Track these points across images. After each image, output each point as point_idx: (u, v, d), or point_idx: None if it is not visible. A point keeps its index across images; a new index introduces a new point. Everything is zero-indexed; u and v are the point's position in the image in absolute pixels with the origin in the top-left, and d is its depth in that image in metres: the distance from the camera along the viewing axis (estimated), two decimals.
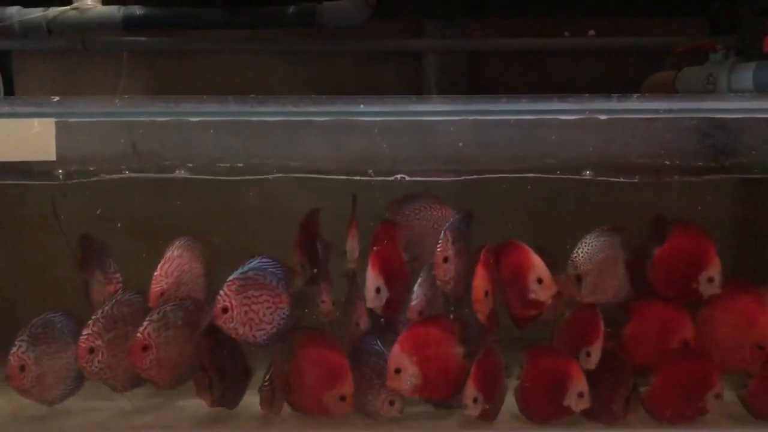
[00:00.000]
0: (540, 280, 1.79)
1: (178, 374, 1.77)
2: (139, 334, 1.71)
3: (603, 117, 1.69)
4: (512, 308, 1.83)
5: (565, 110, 1.70)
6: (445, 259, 1.77)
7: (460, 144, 1.74)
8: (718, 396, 1.79)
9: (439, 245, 1.77)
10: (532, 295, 1.79)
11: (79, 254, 1.96)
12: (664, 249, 1.87)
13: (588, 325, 1.81)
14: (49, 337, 1.78)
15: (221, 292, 1.74)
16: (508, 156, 1.74)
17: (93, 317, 1.73)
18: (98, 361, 1.73)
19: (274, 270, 1.79)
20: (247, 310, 1.74)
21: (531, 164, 1.75)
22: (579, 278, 1.84)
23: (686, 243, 1.87)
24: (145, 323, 1.72)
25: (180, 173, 1.69)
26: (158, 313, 1.74)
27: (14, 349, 1.74)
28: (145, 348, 1.71)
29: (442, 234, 1.78)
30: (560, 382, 1.77)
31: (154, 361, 1.71)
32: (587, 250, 1.85)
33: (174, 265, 1.81)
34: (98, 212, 1.90)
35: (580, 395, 1.76)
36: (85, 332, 1.72)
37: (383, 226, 1.84)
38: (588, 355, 1.78)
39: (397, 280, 1.81)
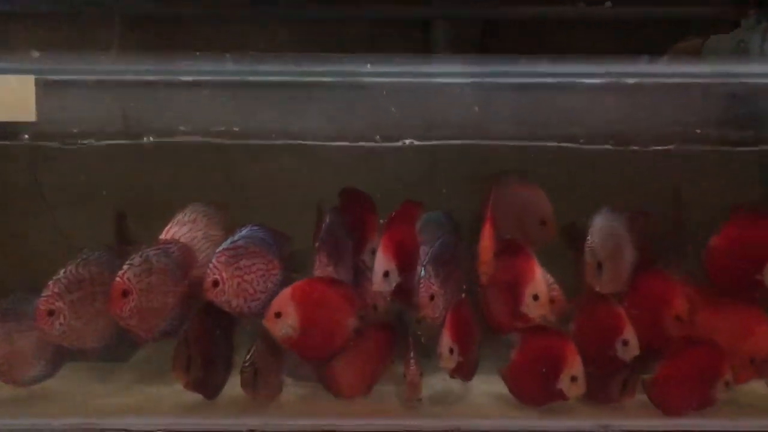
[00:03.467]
0: (536, 297, 1.72)
1: (160, 326, 1.67)
2: (118, 278, 1.60)
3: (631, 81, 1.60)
4: (496, 313, 1.74)
5: (587, 74, 1.61)
6: (432, 297, 1.66)
7: (476, 108, 1.65)
8: (727, 385, 1.70)
9: (421, 283, 1.66)
10: (524, 309, 1.72)
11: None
12: (723, 236, 1.76)
13: (610, 314, 1.72)
14: (20, 315, 1.70)
15: (210, 264, 1.65)
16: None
17: (54, 278, 1.64)
18: (59, 324, 1.63)
19: (264, 236, 1.71)
20: (240, 282, 1.66)
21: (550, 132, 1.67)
22: (600, 265, 1.71)
23: (749, 230, 1.75)
24: (125, 267, 1.62)
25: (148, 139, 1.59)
26: (140, 257, 1.64)
27: None
28: (125, 293, 1.60)
29: (422, 270, 1.66)
30: (554, 364, 1.69)
31: (134, 308, 1.61)
32: (602, 234, 1.72)
33: (184, 230, 1.74)
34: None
35: (573, 379, 1.68)
36: (44, 294, 1.62)
37: (403, 206, 1.74)
38: (625, 344, 1.69)
39: (411, 265, 1.70)
